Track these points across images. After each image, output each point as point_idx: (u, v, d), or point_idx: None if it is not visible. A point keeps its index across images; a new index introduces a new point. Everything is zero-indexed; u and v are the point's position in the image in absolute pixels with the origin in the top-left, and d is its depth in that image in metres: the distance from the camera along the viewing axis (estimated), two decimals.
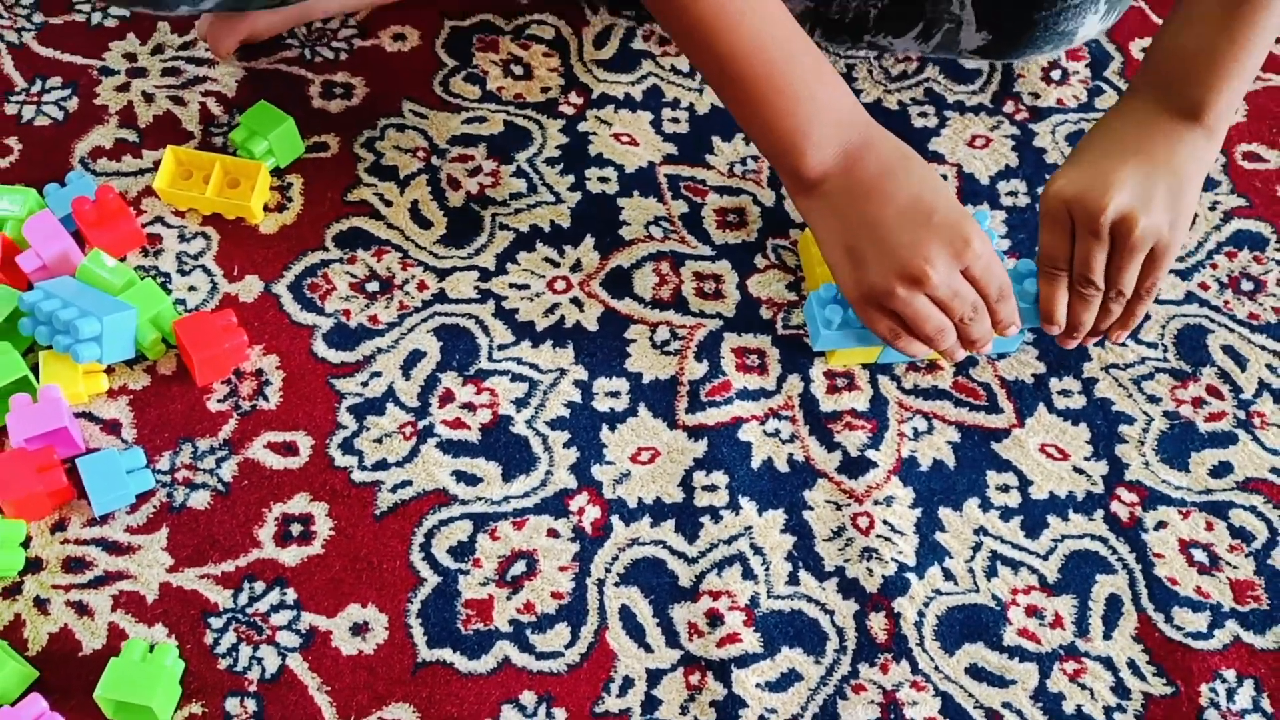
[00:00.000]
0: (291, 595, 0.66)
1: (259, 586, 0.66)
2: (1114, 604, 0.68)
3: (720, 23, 0.64)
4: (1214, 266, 0.82)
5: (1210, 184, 0.86)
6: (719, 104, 0.87)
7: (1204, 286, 0.81)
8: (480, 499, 0.70)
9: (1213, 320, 0.79)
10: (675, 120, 0.86)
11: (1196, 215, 0.84)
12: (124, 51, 0.87)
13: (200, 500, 0.69)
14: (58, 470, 0.67)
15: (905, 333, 0.68)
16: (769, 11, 0.65)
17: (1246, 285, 0.81)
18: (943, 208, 0.66)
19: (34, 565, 0.66)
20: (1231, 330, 0.79)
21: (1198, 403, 0.76)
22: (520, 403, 0.73)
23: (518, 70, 0.88)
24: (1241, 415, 0.75)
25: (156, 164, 0.80)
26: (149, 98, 0.85)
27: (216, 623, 0.65)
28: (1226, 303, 0.80)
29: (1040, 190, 0.84)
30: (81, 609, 0.65)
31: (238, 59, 0.86)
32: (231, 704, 0.63)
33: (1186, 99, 0.69)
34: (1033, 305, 0.72)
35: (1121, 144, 0.69)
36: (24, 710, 0.60)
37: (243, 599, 0.66)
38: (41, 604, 0.65)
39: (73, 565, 0.66)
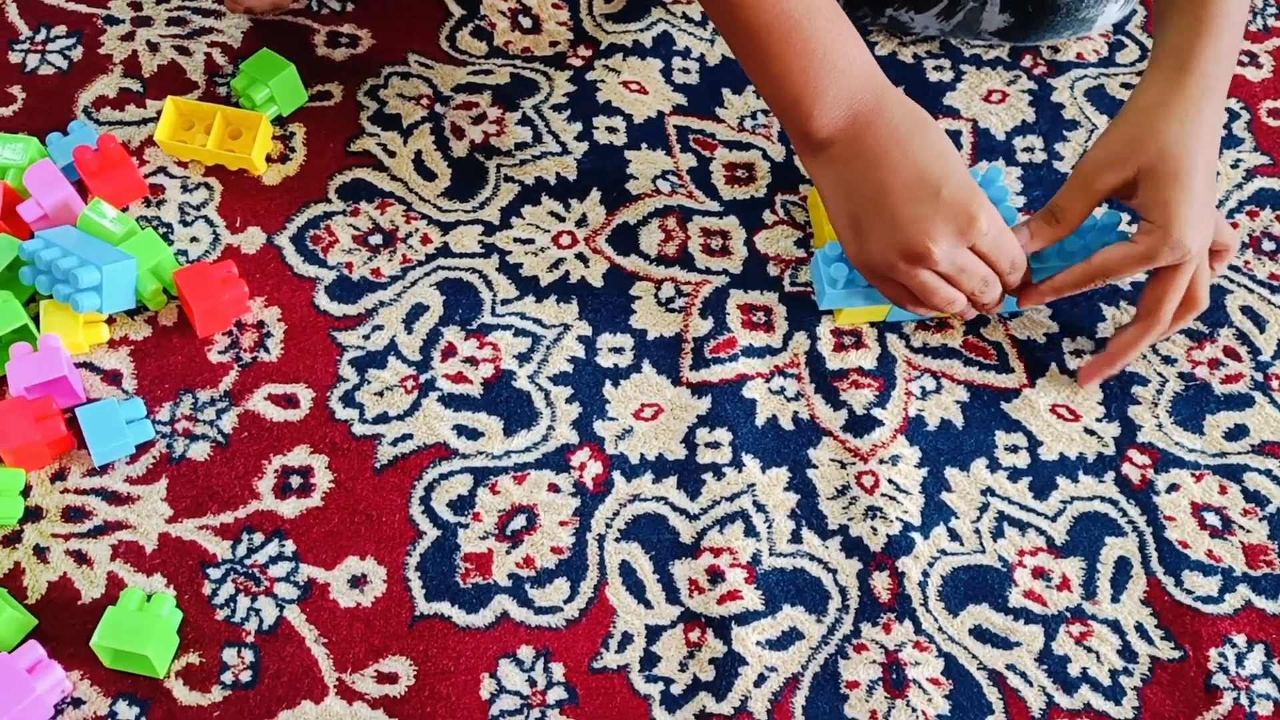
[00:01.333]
0: (290, 547, 0.66)
1: (258, 538, 0.66)
2: (1123, 567, 0.67)
3: None
4: (1234, 225, 0.80)
5: (1233, 141, 0.84)
6: (730, 55, 0.85)
7: None
8: (481, 453, 0.69)
9: (1232, 281, 0.78)
10: (686, 70, 0.84)
11: (1218, 173, 0.82)
12: (129, 0, 0.86)
13: (200, 451, 0.68)
14: (57, 420, 0.67)
15: (911, 301, 0.67)
16: None
17: (1268, 245, 0.79)
18: (951, 183, 0.64)
19: (33, 514, 0.66)
20: (1251, 291, 0.77)
21: (1214, 364, 0.74)
22: (523, 358, 0.72)
23: (526, 22, 0.86)
24: (1259, 378, 0.74)
25: (160, 114, 0.79)
26: (154, 47, 0.84)
27: (215, 574, 0.65)
28: (1246, 263, 0.78)
29: (1074, 163, 0.82)
30: (80, 558, 0.65)
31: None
32: (229, 654, 0.63)
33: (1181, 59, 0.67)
34: (1044, 266, 0.70)
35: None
36: (22, 657, 0.60)
37: (241, 550, 0.66)
38: (41, 552, 0.65)
39: (72, 514, 0.66)
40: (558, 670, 0.63)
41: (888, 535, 0.67)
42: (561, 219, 0.78)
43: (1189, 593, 0.66)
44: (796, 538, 0.67)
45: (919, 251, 0.63)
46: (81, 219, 0.72)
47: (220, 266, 0.72)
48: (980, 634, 0.65)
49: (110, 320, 0.72)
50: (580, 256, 0.76)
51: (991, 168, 0.72)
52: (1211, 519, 0.69)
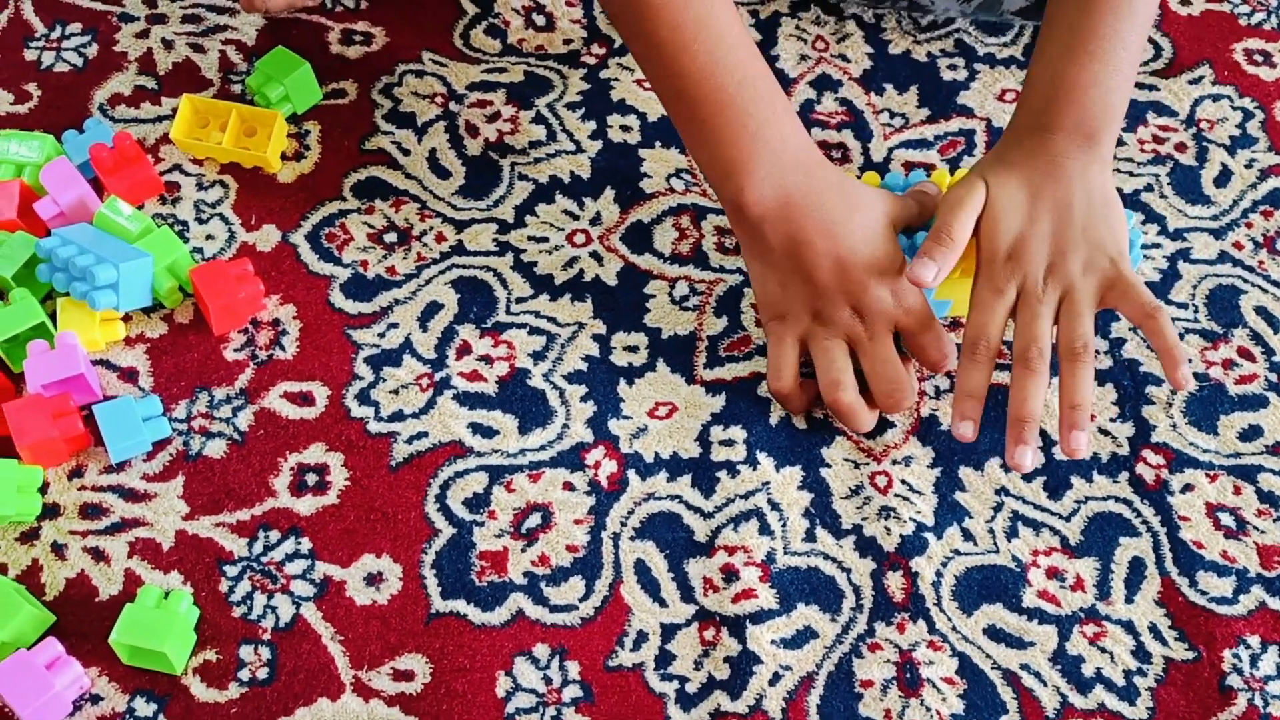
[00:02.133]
0: (306, 545, 0.66)
1: (274, 536, 0.66)
2: (1137, 567, 0.67)
3: (677, 39, 0.63)
4: (1249, 225, 0.80)
5: (1247, 141, 0.83)
6: None
7: (1238, 246, 0.79)
8: (496, 451, 0.69)
9: (1246, 280, 0.78)
10: None
11: (1232, 173, 0.82)
12: None
13: (216, 449, 0.69)
14: (74, 417, 0.67)
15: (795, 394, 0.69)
16: (726, 35, 0.64)
17: None
18: (878, 266, 0.66)
19: (51, 511, 0.66)
20: (1265, 291, 0.77)
21: (1228, 364, 0.74)
22: (538, 356, 0.72)
23: (540, 20, 0.87)
24: (1273, 378, 0.74)
25: (175, 111, 0.79)
26: (168, 45, 0.84)
27: (231, 571, 0.65)
28: (1261, 263, 0.78)
29: None
30: (98, 555, 0.65)
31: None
32: (245, 651, 0.63)
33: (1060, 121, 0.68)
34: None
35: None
36: (41, 654, 0.60)
37: (257, 548, 0.66)
38: (59, 549, 0.65)
39: (90, 511, 0.66)
40: (573, 668, 0.63)
41: (901, 535, 0.67)
42: (575, 217, 0.78)
43: (1203, 593, 0.66)
44: (811, 537, 0.67)
45: (851, 325, 0.66)
46: (98, 216, 0.72)
47: (236, 264, 0.72)
48: (994, 634, 0.65)
49: (126, 318, 0.72)
50: (594, 255, 0.76)
51: (892, 174, 0.72)
52: (1226, 520, 0.69)
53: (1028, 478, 0.70)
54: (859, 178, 0.71)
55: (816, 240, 0.66)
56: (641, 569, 0.66)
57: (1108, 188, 0.68)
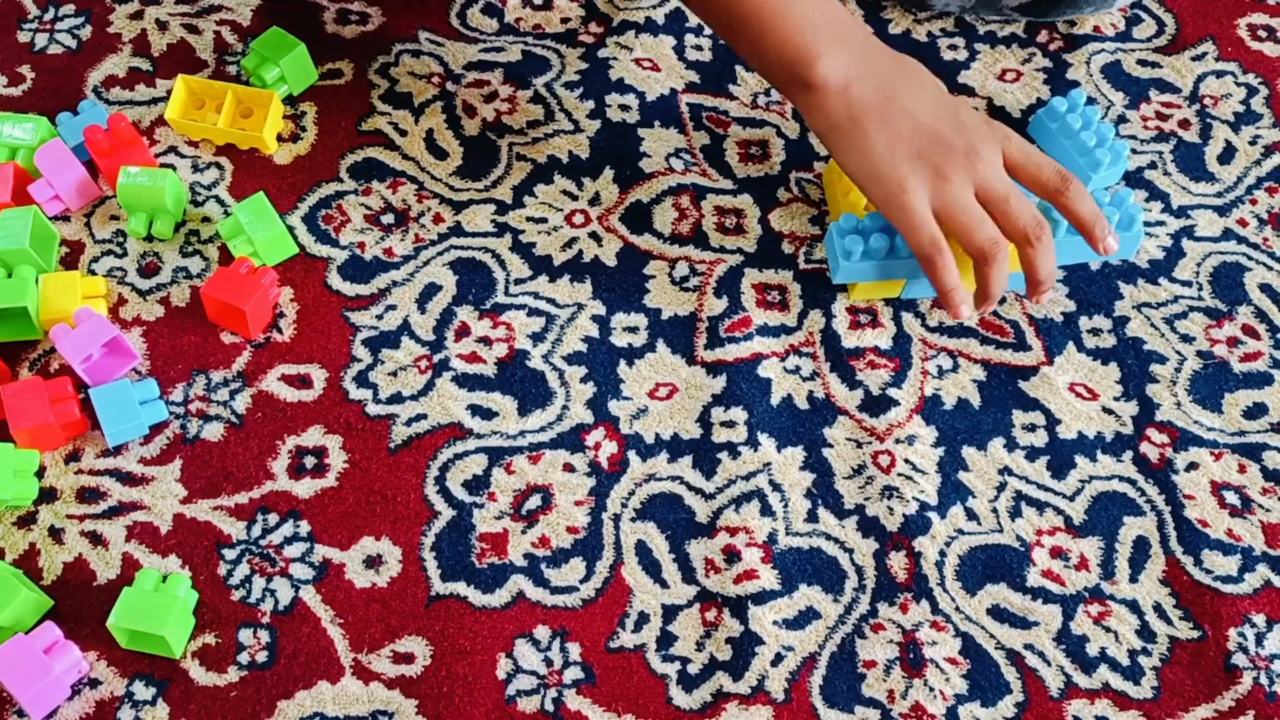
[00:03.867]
0: (305, 528, 0.66)
1: (272, 519, 0.66)
2: (1141, 546, 0.67)
3: None
4: (1253, 202, 0.79)
5: (1251, 117, 0.83)
6: None
7: (1242, 223, 0.78)
8: (496, 433, 0.69)
9: (1250, 258, 0.77)
10: (698, 47, 0.84)
11: (1235, 150, 0.81)
12: None
13: (214, 432, 0.68)
14: (71, 401, 0.67)
15: (936, 253, 0.65)
16: None
17: None
18: (965, 106, 0.67)
19: (48, 495, 0.66)
20: (1270, 268, 0.77)
21: (1233, 342, 0.74)
22: (537, 337, 0.72)
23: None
24: (1278, 355, 0.73)
25: (170, 93, 0.78)
26: (163, 26, 0.83)
27: (230, 554, 0.65)
28: (1266, 240, 0.78)
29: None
30: (96, 539, 0.65)
31: None
32: (245, 635, 0.62)
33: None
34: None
35: None
36: (39, 638, 0.60)
37: (256, 531, 0.65)
38: (56, 533, 0.65)
39: (87, 495, 0.66)
40: (574, 650, 0.63)
41: (904, 515, 0.67)
42: (574, 197, 0.77)
43: (1208, 572, 0.66)
44: (813, 517, 0.67)
45: (967, 150, 0.64)
46: (121, 190, 0.72)
47: (237, 264, 0.71)
48: (998, 613, 0.65)
49: (120, 301, 0.72)
50: (593, 235, 0.76)
51: (1122, 192, 0.71)
52: (1231, 498, 0.68)
53: (1031, 458, 0.69)
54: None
55: (908, 82, 0.66)
56: (643, 550, 0.66)
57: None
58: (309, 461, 0.67)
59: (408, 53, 0.83)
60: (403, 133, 0.79)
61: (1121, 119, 0.82)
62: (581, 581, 0.65)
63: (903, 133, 0.65)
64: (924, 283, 0.71)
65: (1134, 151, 0.81)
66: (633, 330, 0.72)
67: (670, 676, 0.62)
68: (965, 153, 0.65)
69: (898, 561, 0.66)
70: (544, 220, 0.76)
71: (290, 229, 0.75)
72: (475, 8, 0.85)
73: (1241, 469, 0.69)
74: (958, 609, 0.65)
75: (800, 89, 0.66)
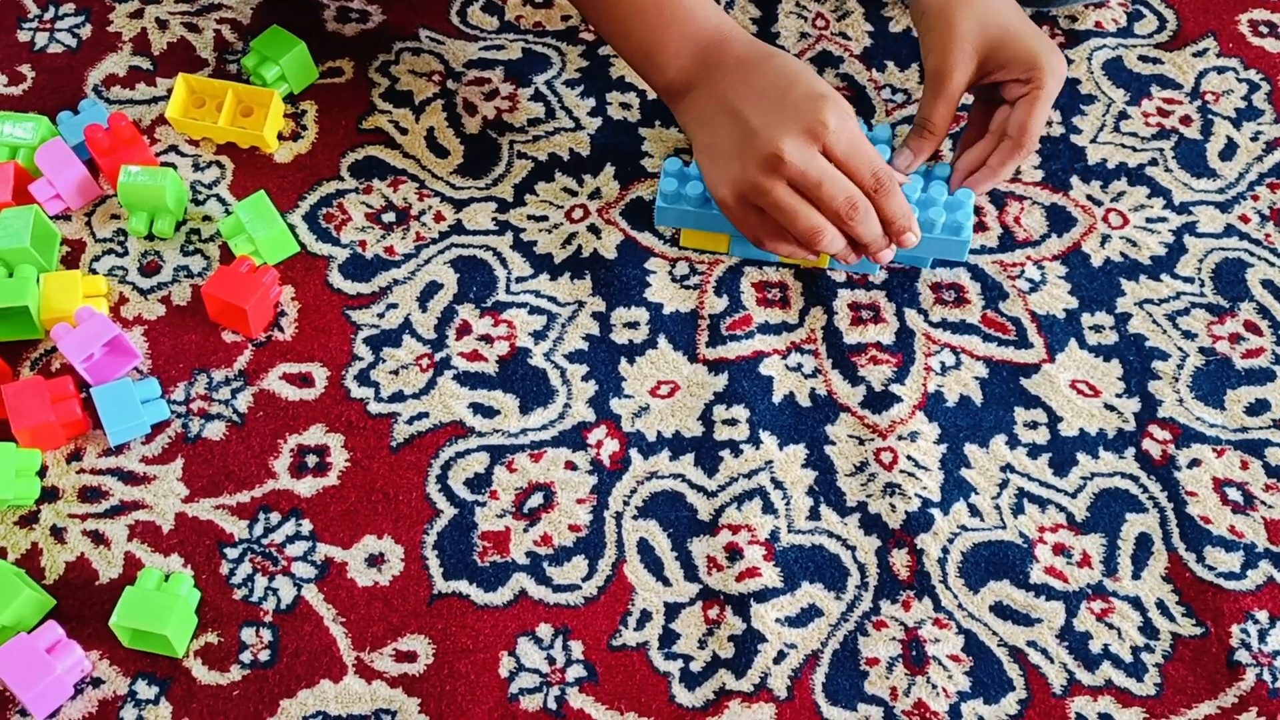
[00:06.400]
0: (307, 526, 0.65)
1: (274, 517, 0.66)
2: (1144, 543, 0.67)
3: None
4: (1255, 198, 0.79)
5: (1253, 113, 0.83)
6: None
7: (1244, 219, 0.78)
8: (497, 431, 0.69)
9: (1252, 254, 0.77)
10: None
11: (1237, 146, 0.81)
12: None
13: (215, 431, 0.68)
14: (72, 400, 0.66)
15: (775, 234, 0.67)
16: None
17: None
18: (798, 88, 0.65)
19: (50, 494, 0.66)
20: (1272, 265, 0.76)
21: (1235, 339, 0.74)
22: (538, 335, 0.72)
23: None
24: None
25: (170, 92, 0.78)
26: (163, 24, 0.83)
27: (232, 553, 0.65)
28: (1268, 236, 0.78)
29: (1091, 136, 0.82)
30: (98, 538, 0.65)
31: None
32: (247, 634, 0.62)
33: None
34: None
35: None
36: (41, 637, 0.60)
37: (258, 530, 0.65)
38: (58, 533, 0.65)
39: (89, 495, 0.66)
40: (577, 648, 0.63)
41: (906, 512, 0.67)
42: (575, 194, 0.77)
43: (1210, 569, 0.66)
44: (815, 515, 0.67)
45: (769, 155, 0.63)
46: (121, 189, 0.72)
47: (238, 263, 0.71)
48: (1001, 610, 0.65)
49: (121, 300, 0.72)
50: (592, 228, 0.76)
51: (879, 125, 0.73)
52: (1233, 494, 0.68)
53: (1033, 455, 0.69)
54: None
55: (735, 77, 0.66)
56: (645, 548, 0.66)
57: None
58: (311, 460, 0.67)
59: (408, 51, 0.82)
60: (403, 131, 0.79)
61: (1123, 115, 0.82)
62: (584, 580, 0.65)
63: (721, 137, 0.66)
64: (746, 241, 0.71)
65: (1134, 149, 0.81)
66: (633, 326, 0.72)
67: (673, 674, 0.62)
68: (769, 156, 0.63)
69: (900, 559, 0.66)
70: (545, 218, 0.76)
71: (291, 227, 0.75)
72: (476, 5, 0.85)
73: (1244, 465, 0.69)
74: (960, 606, 0.64)
75: (656, 86, 0.71)
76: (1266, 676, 0.63)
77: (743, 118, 0.65)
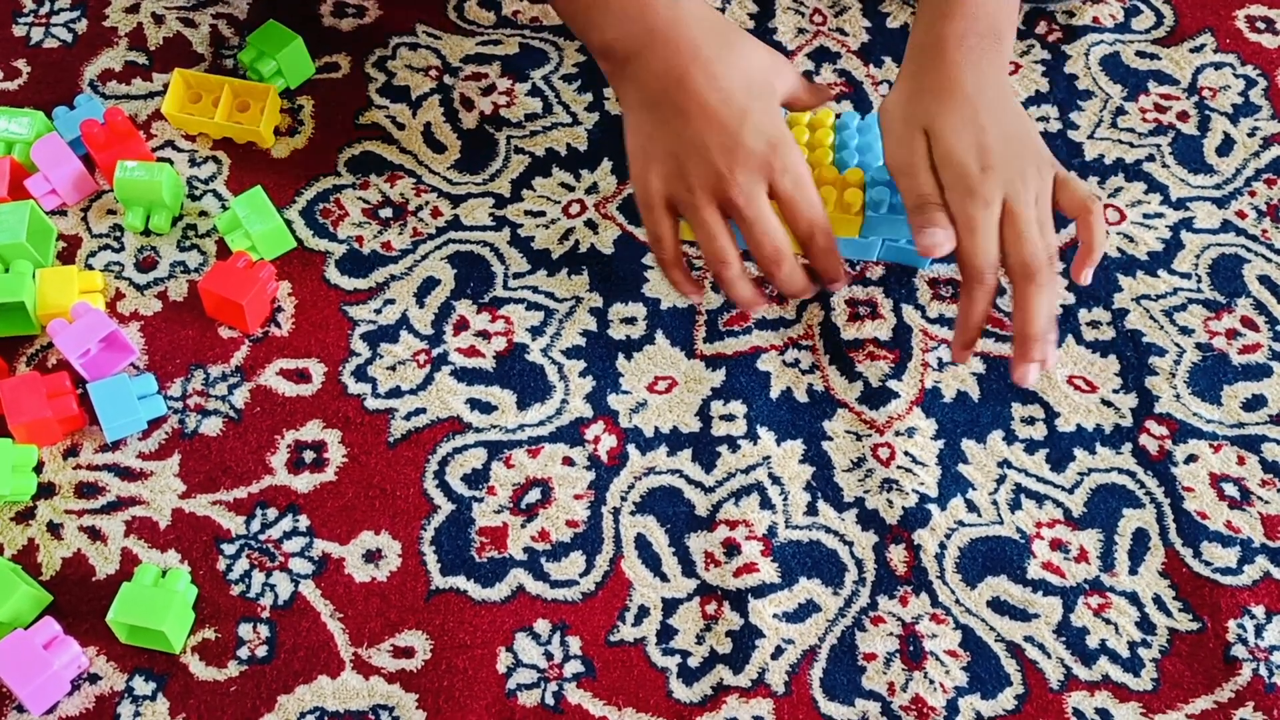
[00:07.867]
0: (304, 522, 0.65)
1: (271, 513, 0.66)
2: (1141, 538, 0.67)
3: None
4: (1252, 194, 0.79)
5: (1250, 109, 0.83)
6: (739, 20, 0.84)
7: (1241, 215, 0.78)
8: (495, 427, 0.69)
9: (1249, 250, 0.77)
10: None
11: (1234, 141, 0.81)
12: None
13: (212, 427, 0.68)
14: (69, 396, 0.66)
15: (670, 246, 0.65)
16: None
17: None
18: (756, 115, 0.62)
19: (46, 490, 0.66)
20: (1269, 260, 0.77)
21: (1231, 334, 0.74)
22: (536, 331, 0.72)
23: None
24: (1277, 347, 0.73)
25: (167, 86, 0.78)
26: (159, 19, 0.83)
27: (229, 549, 0.65)
28: (1265, 231, 0.78)
29: (1089, 131, 0.82)
30: (94, 534, 0.65)
31: None
32: (244, 630, 0.62)
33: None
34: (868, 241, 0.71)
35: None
36: (38, 633, 0.60)
37: (255, 526, 0.65)
38: (55, 529, 0.65)
39: (85, 490, 0.66)
40: (574, 644, 0.63)
41: (904, 508, 0.67)
42: (572, 190, 0.77)
43: (1207, 564, 0.66)
44: (812, 510, 0.67)
45: (718, 174, 0.61)
46: (118, 185, 0.72)
47: (235, 258, 0.70)
48: (998, 606, 0.65)
49: (118, 295, 0.72)
50: (590, 223, 0.76)
51: (846, 113, 0.72)
52: (1230, 490, 0.68)
53: (1030, 450, 0.69)
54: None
55: (692, 71, 0.62)
56: (642, 544, 0.66)
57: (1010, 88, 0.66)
58: (308, 456, 0.67)
59: (405, 46, 0.82)
60: (400, 126, 0.79)
61: (1120, 111, 0.82)
62: (581, 575, 0.65)
63: (668, 134, 0.63)
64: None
65: (1132, 145, 0.81)
66: (630, 321, 0.72)
67: (670, 670, 0.62)
68: (719, 175, 0.62)
69: (897, 554, 0.66)
70: (542, 214, 0.76)
71: (288, 223, 0.74)
72: (472, 0, 0.85)
73: (1240, 461, 0.69)
74: (957, 601, 0.65)
75: (594, 49, 0.66)
76: (1263, 671, 0.63)
77: (695, 125, 0.62)
